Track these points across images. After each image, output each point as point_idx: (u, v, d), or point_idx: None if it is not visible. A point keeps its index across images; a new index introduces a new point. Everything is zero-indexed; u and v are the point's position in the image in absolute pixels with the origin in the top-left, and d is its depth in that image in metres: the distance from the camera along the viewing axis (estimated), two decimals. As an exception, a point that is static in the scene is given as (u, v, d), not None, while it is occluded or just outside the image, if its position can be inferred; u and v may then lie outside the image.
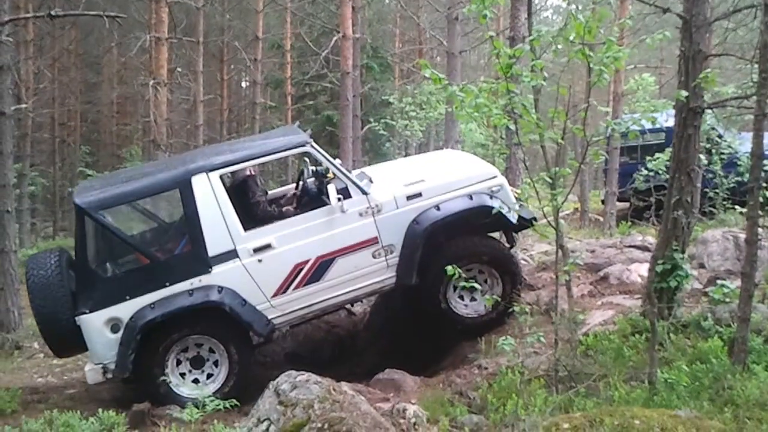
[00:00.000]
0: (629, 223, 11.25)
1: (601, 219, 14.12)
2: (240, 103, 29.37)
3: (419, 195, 6.05)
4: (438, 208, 5.99)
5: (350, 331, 7.96)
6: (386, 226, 5.96)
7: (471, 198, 6.07)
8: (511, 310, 5.72)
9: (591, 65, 4.35)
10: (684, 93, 4.71)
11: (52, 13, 8.02)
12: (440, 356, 6.47)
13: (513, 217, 5.98)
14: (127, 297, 5.61)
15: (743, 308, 4.39)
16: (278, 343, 7.65)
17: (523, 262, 8.25)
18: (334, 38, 16.27)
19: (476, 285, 5.10)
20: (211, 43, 22.34)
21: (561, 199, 4.60)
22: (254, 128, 19.52)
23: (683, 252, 5.05)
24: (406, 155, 24.12)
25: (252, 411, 4.71)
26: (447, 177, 6.28)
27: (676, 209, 4.98)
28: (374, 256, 5.97)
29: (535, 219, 6.44)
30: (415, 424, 4.58)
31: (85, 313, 5.60)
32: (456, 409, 4.74)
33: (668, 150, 8.66)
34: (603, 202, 14.35)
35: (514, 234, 6.72)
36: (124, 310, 5.61)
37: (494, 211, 5.48)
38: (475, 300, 6.21)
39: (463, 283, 5.12)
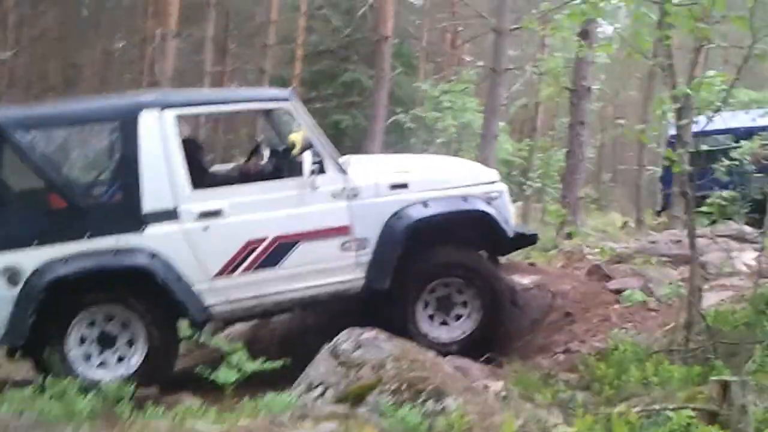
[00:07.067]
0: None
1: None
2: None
3: (405, 186, 5.40)
4: (426, 205, 5.34)
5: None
6: (361, 214, 5.24)
7: (465, 200, 5.47)
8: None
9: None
10: None
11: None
12: (503, 344, 5.77)
13: (510, 230, 5.51)
14: (35, 242, 4.74)
15: None
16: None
17: (589, 257, 7.77)
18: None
19: None
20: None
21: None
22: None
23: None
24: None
25: (300, 378, 4.17)
26: (439, 173, 5.77)
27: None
28: (343, 248, 5.24)
29: (536, 236, 6.05)
30: (505, 397, 4.02)
31: None
32: (552, 388, 4.20)
33: None
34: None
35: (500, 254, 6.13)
36: (28, 258, 4.72)
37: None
38: (446, 324, 5.54)
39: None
